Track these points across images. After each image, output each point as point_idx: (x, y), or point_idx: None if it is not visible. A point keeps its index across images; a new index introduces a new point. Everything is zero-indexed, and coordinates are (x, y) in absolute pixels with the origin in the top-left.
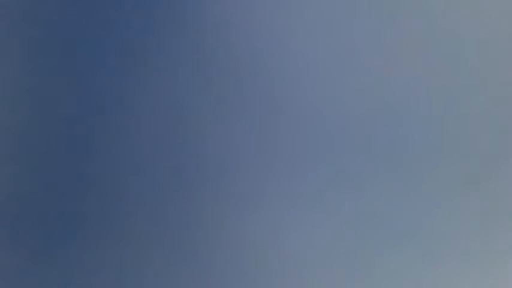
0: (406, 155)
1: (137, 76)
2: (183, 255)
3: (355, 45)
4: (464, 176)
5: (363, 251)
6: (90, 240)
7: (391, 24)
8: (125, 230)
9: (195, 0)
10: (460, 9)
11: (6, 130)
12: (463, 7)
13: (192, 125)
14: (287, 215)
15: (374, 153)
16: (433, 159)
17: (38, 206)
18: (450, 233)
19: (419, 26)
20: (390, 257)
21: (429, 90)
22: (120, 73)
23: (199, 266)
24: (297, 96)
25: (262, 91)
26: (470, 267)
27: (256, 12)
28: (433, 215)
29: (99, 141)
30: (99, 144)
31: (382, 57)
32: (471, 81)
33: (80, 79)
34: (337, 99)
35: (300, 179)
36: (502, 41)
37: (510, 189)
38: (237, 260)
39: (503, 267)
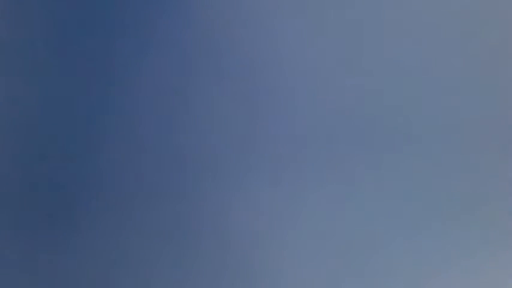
0: (404, 153)
1: (145, 77)
2: (171, 248)
3: (353, 43)
4: (465, 174)
5: (355, 245)
6: (85, 236)
7: (388, 22)
8: (117, 224)
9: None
10: (459, 9)
11: (4, 130)
12: (462, 8)
13: (186, 122)
14: (278, 210)
15: (370, 147)
16: (434, 159)
17: (35, 206)
18: (450, 233)
19: (417, 22)
20: (384, 252)
21: (428, 90)
22: (128, 74)
23: (187, 258)
24: (291, 91)
25: (255, 87)
26: (471, 267)
27: (248, 12)
28: (432, 215)
29: (93, 140)
30: (94, 143)
31: (381, 55)
32: (474, 79)
33: (78, 78)
34: (333, 95)
35: (294, 174)
36: (503, 40)
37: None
38: (226, 256)
39: (506, 268)
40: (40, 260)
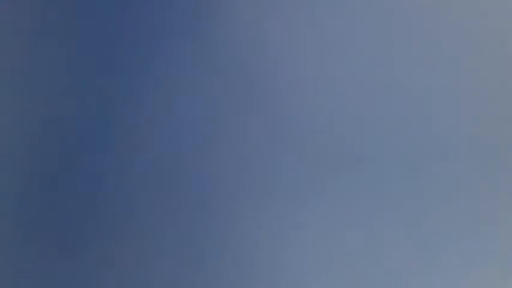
0: (401, 155)
1: (145, 78)
2: (174, 255)
3: (357, 50)
4: (464, 175)
5: (354, 251)
6: (93, 241)
7: (389, 27)
8: (118, 227)
9: (199, 7)
10: (457, 10)
11: (4, 130)
12: (461, 8)
13: (192, 129)
14: (278, 210)
15: (368, 150)
16: (432, 161)
17: (35, 207)
18: (448, 234)
19: (417, 26)
20: (384, 252)
21: (430, 94)
22: (128, 75)
23: (191, 265)
24: (290, 93)
25: (253, 88)
26: (469, 268)
27: (248, 12)
28: (433, 215)
29: (94, 141)
30: (94, 144)
31: (383, 59)
32: (472, 81)
33: (86, 80)
34: (332, 96)
35: (293, 179)
36: (503, 42)
37: (510, 190)
38: (227, 260)
39: (502, 268)
40: (40, 259)
